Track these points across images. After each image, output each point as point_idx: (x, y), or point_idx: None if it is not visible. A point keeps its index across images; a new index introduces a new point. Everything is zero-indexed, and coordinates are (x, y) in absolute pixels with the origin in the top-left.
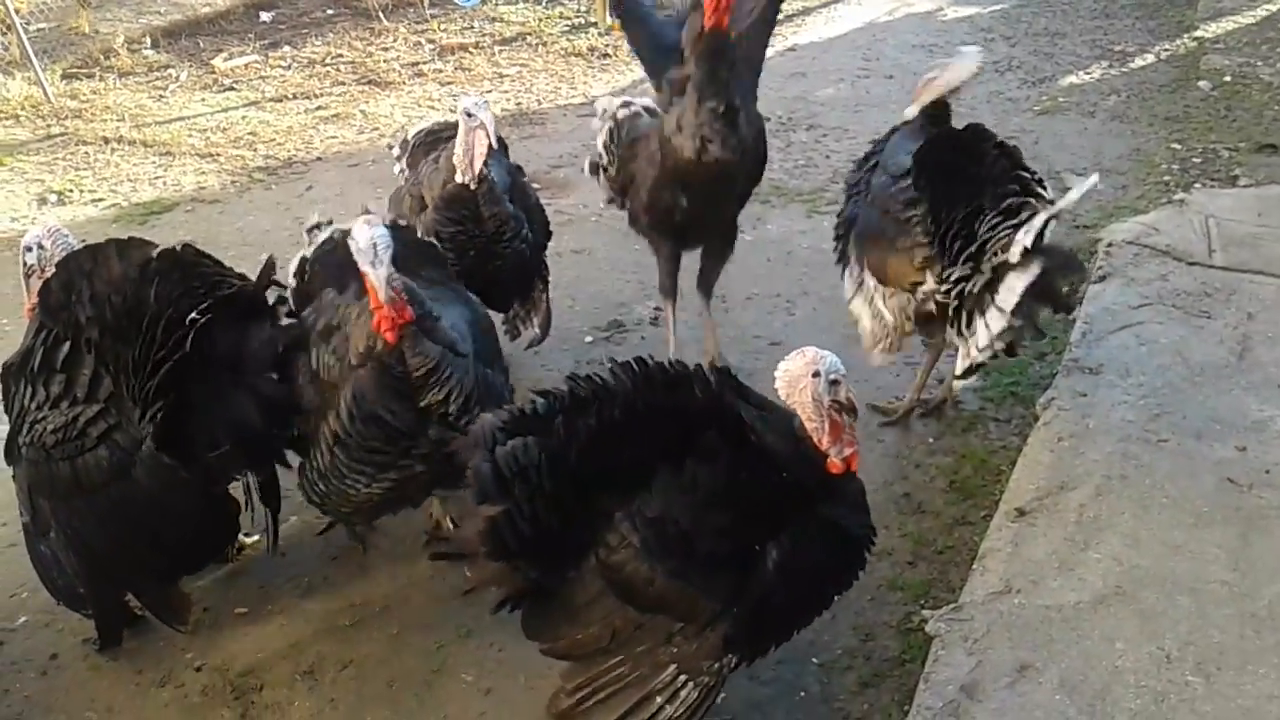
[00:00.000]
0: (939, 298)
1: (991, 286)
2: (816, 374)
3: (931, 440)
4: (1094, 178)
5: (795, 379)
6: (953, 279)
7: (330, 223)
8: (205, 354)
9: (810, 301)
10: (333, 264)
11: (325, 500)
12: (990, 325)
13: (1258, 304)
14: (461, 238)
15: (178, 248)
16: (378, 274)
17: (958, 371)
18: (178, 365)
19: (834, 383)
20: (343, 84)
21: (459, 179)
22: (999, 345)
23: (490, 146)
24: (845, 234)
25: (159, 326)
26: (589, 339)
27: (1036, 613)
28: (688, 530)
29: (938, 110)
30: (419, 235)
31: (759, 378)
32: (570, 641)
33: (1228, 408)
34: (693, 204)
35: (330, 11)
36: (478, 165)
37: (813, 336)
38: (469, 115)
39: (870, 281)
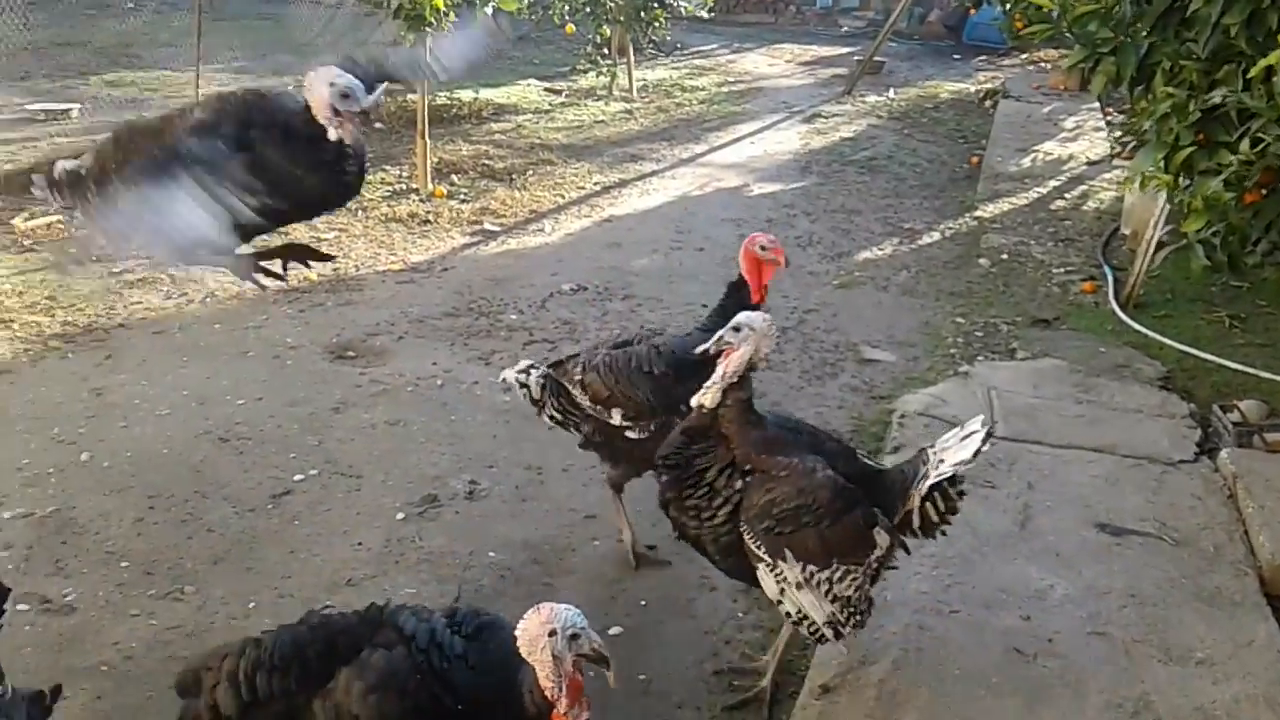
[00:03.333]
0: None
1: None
2: (553, 633)
3: (741, 615)
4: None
5: (533, 639)
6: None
7: None
8: None
9: None
10: None
11: None
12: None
13: (1036, 474)
14: None
15: None
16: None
17: None
18: None
19: (574, 637)
20: None
21: None
22: None
23: None
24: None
25: None
26: (400, 515)
27: None
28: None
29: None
30: None
31: (576, 554)
32: None
33: (1012, 577)
34: None
35: None
36: None
37: (629, 505)
38: None
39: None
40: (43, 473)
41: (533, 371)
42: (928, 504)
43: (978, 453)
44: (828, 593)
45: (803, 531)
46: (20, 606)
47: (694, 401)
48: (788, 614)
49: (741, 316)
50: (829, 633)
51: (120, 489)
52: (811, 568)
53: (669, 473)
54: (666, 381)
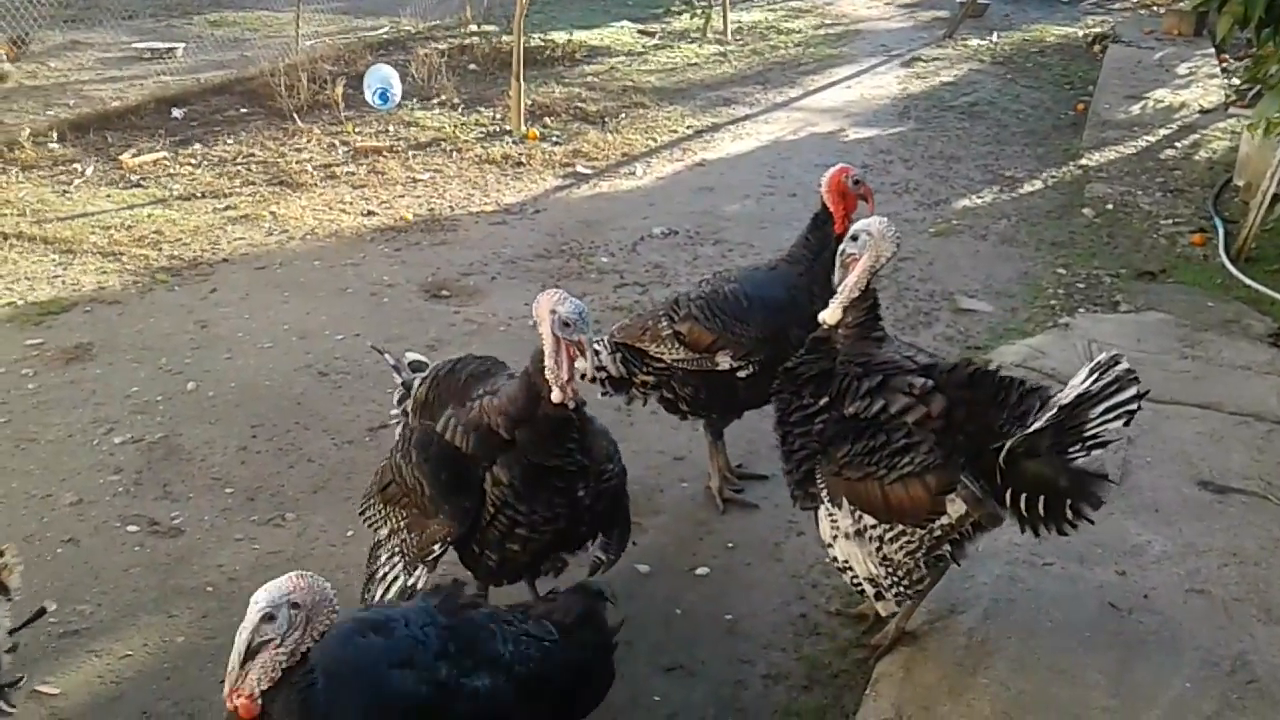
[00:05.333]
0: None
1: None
2: (554, 312)
3: (828, 560)
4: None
5: (541, 313)
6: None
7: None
8: None
9: None
10: None
11: None
12: None
13: (1136, 429)
14: None
15: None
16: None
17: None
18: None
19: (565, 324)
20: (253, 184)
21: None
22: None
23: None
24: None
25: None
26: None
27: None
28: None
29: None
30: None
31: (664, 495)
32: None
33: (1109, 531)
34: None
35: (244, 110)
36: None
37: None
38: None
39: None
40: (151, 400)
41: (600, 349)
42: (1024, 496)
43: (1084, 400)
44: (878, 550)
45: (866, 481)
46: (130, 528)
47: (820, 317)
48: (834, 559)
49: (859, 224)
50: (869, 589)
51: (224, 418)
52: (867, 520)
53: (781, 376)
54: (774, 309)
